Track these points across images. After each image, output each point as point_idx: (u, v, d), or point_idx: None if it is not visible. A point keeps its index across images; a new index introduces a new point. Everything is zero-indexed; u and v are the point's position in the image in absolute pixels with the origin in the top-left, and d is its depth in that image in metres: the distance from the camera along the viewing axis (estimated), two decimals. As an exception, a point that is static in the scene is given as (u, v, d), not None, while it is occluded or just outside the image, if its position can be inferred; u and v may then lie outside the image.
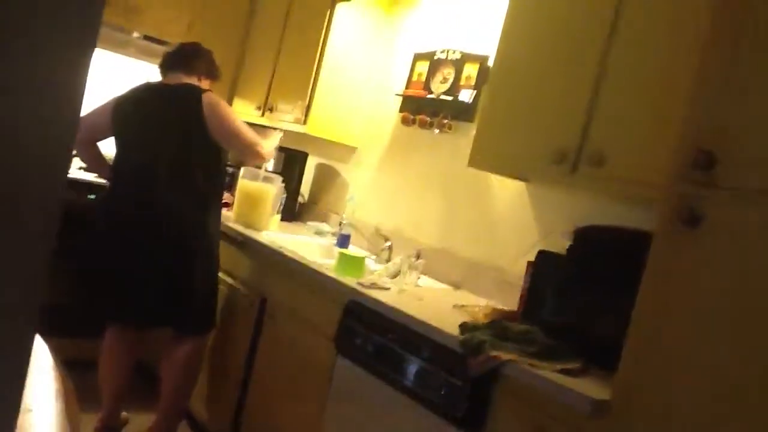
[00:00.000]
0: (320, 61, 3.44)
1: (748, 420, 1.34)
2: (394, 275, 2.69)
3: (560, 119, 2.16)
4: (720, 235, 1.41)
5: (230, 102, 4.00)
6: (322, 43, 3.43)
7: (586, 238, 2.13)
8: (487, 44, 2.87)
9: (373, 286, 2.42)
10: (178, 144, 2.76)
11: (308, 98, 3.44)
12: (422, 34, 3.34)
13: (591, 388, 1.68)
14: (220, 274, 3.02)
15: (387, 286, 2.48)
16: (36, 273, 0.85)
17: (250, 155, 2.92)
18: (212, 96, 2.83)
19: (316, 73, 3.44)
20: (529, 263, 2.32)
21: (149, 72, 3.92)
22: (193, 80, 2.91)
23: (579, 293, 2.05)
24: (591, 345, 1.90)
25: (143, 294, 2.73)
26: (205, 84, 2.98)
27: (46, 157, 0.79)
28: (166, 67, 2.95)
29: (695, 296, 1.45)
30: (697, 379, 1.43)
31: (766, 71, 1.40)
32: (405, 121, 3.29)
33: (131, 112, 2.85)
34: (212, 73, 3.04)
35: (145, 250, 2.71)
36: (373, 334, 2.23)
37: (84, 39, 0.80)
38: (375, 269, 2.80)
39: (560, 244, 2.21)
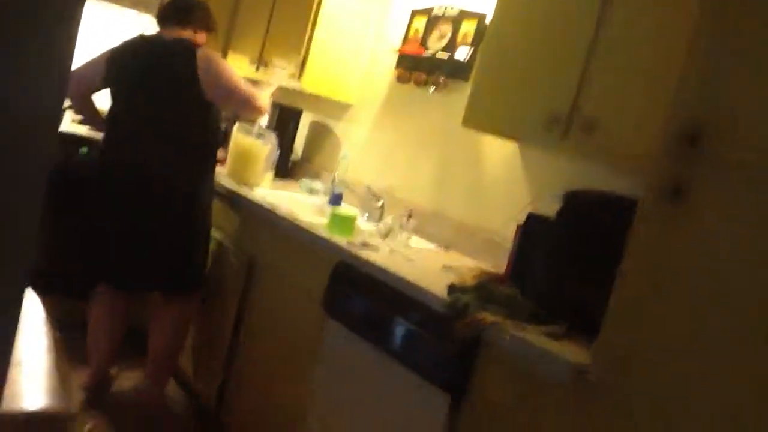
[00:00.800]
0: (316, 15, 3.38)
1: (726, 384, 1.36)
2: (386, 235, 2.70)
3: (553, 84, 2.14)
4: (703, 209, 1.41)
5: (224, 56, 3.95)
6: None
7: (575, 202, 2.13)
8: (486, 1, 2.83)
9: (364, 245, 2.43)
10: (171, 101, 2.74)
11: (303, 53, 3.40)
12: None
13: (573, 352, 1.70)
14: (212, 233, 3.03)
15: (378, 245, 2.49)
16: (29, 227, 0.85)
17: (249, 109, 2.90)
18: (208, 51, 2.80)
19: (311, 28, 3.39)
20: (519, 226, 2.32)
21: (142, 21, 3.86)
22: (188, 33, 2.87)
23: (566, 258, 2.06)
24: (575, 310, 1.92)
25: (132, 255, 2.73)
26: (201, 37, 2.93)
27: (38, 110, 0.79)
28: (161, 19, 2.92)
29: (677, 268, 1.46)
30: (677, 347, 1.45)
31: (757, 48, 1.38)
32: (401, 78, 3.26)
33: (125, 66, 2.82)
34: (208, 26, 3.00)
35: (136, 210, 2.71)
36: (362, 295, 2.25)
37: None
38: (366, 228, 2.81)
39: (550, 208, 2.21)
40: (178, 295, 2.88)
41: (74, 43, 0.82)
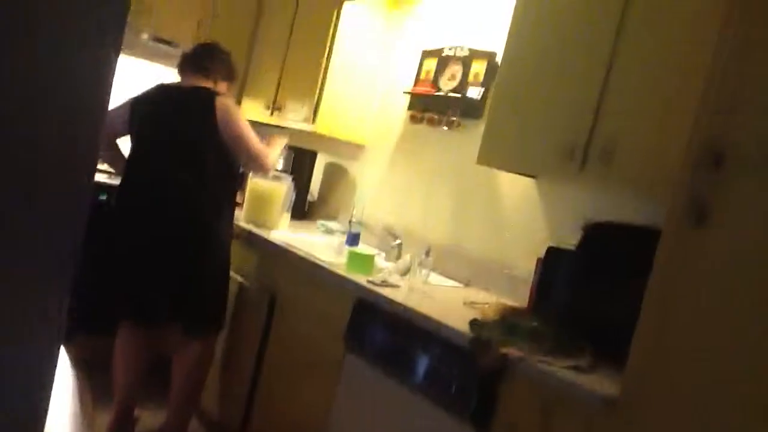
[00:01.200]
0: (328, 59, 3.44)
1: (752, 410, 1.34)
2: (404, 272, 2.70)
3: (569, 115, 2.16)
4: (727, 232, 1.41)
5: (239, 101, 4.01)
6: (330, 42, 3.44)
7: (595, 234, 2.14)
8: (495, 40, 2.87)
9: (384, 283, 2.43)
10: (191, 146, 2.78)
11: (316, 97, 3.45)
12: (430, 32, 3.34)
13: (600, 383, 1.68)
14: (231, 273, 3.04)
15: (397, 283, 2.49)
16: (66, 274, 0.87)
17: (255, 165, 2.92)
18: (226, 101, 2.84)
19: (324, 72, 3.45)
20: (539, 259, 2.32)
21: (157, 73, 3.95)
22: (209, 83, 2.92)
23: (589, 288, 2.05)
24: (600, 341, 1.90)
25: (153, 292, 2.75)
26: (222, 87, 2.98)
27: (75, 155, 0.81)
28: (182, 69, 2.97)
29: (702, 292, 1.45)
30: (704, 373, 1.43)
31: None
32: (413, 119, 3.30)
33: (146, 112, 2.89)
34: (229, 76, 3.05)
35: (156, 249, 2.73)
36: (382, 331, 2.24)
37: (111, 39, 0.81)
38: (385, 267, 2.80)
39: (569, 241, 2.21)
40: (199, 331, 2.88)
41: (110, 88, 0.85)
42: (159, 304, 2.78)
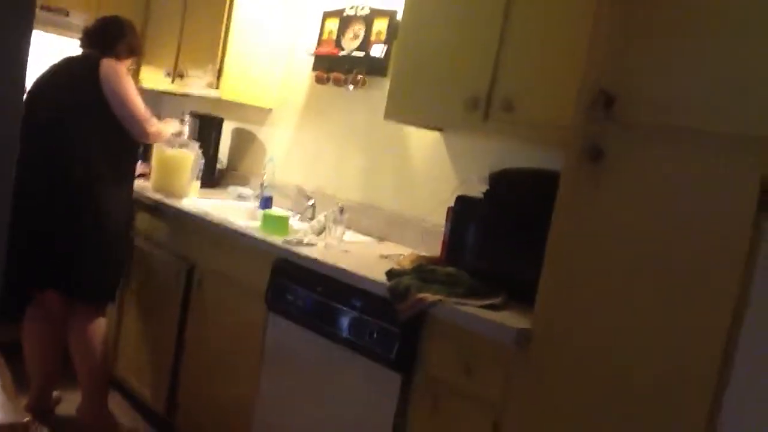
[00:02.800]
0: (228, 23, 3.39)
1: (652, 341, 1.47)
2: (320, 232, 2.73)
3: (470, 68, 2.23)
4: (621, 168, 1.52)
5: (138, 70, 3.88)
6: (229, 5, 3.38)
7: (501, 181, 2.23)
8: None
9: (300, 243, 2.46)
10: (74, 111, 2.74)
11: (219, 62, 3.39)
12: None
13: (513, 319, 1.79)
14: (142, 244, 3.00)
15: (313, 242, 2.52)
16: None
17: (136, 129, 2.82)
18: (111, 62, 2.80)
19: (224, 36, 3.39)
20: (449, 209, 2.40)
21: (51, 43, 3.77)
22: (109, 57, 2.85)
23: (497, 234, 2.15)
24: (512, 282, 2.01)
25: (35, 258, 2.69)
26: (125, 61, 2.94)
27: None
28: (82, 45, 2.95)
29: (602, 227, 1.57)
30: (606, 304, 1.55)
31: (659, 14, 1.50)
32: (319, 80, 3.30)
33: (36, 82, 2.84)
34: (131, 49, 2.98)
35: (40, 218, 2.68)
36: (303, 289, 2.28)
37: (22, 19, 0.80)
38: (300, 228, 2.83)
39: (478, 190, 2.30)
40: (82, 297, 2.82)
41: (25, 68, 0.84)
42: (40, 271, 2.74)
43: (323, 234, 2.71)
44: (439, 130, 2.75)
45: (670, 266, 1.44)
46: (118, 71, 2.79)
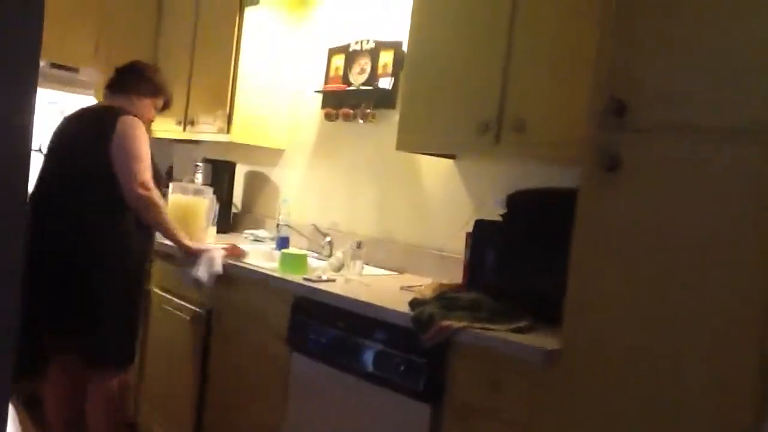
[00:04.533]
0: (236, 68, 3.42)
1: (686, 352, 1.42)
2: (338, 268, 2.71)
3: (478, 93, 2.22)
4: (639, 174, 1.49)
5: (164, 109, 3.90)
6: (236, 50, 3.41)
7: (518, 202, 2.20)
8: (399, 30, 2.92)
9: (320, 280, 2.43)
10: (87, 165, 2.61)
11: (228, 106, 3.42)
12: (334, 29, 3.36)
13: (540, 340, 1.74)
14: (161, 293, 2.98)
15: (333, 278, 2.49)
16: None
17: (126, 183, 2.56)
18: (130, 119, 2.65)
19: (233, 81, 3.42)
20: (468, 235, 2.38)
21: (59, 100, 3.82)
22: (127, 102, 2.79)
23: (518, 256, 2.11)
24: (536, 303, 1.96)
25: (51, 319, 2.59)
26: (143, 104, 2.84)
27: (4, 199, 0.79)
28: (104, 93, 2.90)
29: (625, 238, 1.53)
30: (636, 318, 1.50)
31: (660, 18, 1.48)
32: (328, 117, 3.31)
33: (55, 132, 2.81)
34: (151, 91, 2.88)
35: (52, 279, 2.55)
36: (324, 326, 2.24)
37: (26, 78, 0.79)
38: (318, 265, 2.80)
39: (495, 214, 2.27)
40: (98, 363, 2.67)
41: (32, 126, 0.84)
42: (58, 337, 2.64)
43: (342, 270, 2.68)
44: (452, 157, 2.73)
45: (699, 271, 1.40)
46: (134, 128, 2.64)
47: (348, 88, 3.17)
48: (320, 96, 3.38)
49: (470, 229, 2.37)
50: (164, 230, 2.73)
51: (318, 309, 2.28)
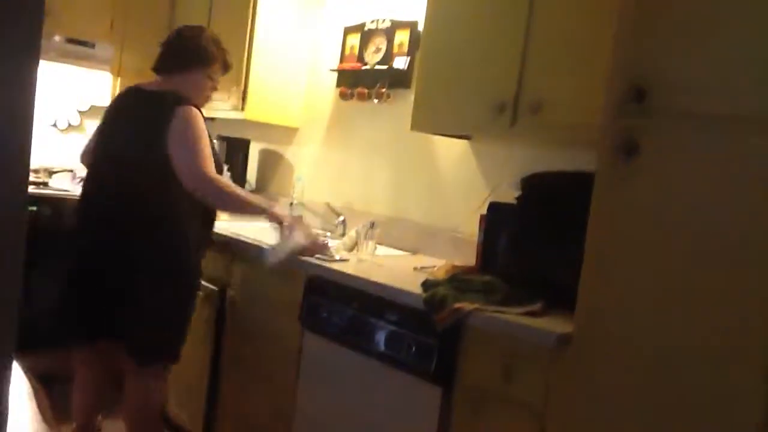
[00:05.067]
0: (251, 45, 3.40)
1: (700, 336, 1.41)
2: (351, 248, 2.71)
3: (495, 73, 2.20)
4: (657, 160, 1.47)
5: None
6: (251, 27, 3.40)
7: (533, 185, 2.19)
8: (415, 9, 2.89)
9: (333, 259, 2.44)
10: (142, 165, 2.39)
11: (243, 84, 3.41)
12: (349, 7, 3.33)
13: (553, 324, 1.74)
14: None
15: (346, 258, 2.50)
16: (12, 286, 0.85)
17: (194, 182, 2.35)
18: (189, 112, 2.39)
19: (248, 58, 3.41)
20: (482, 217, 2.37)
21: (72, 74, 3.83)
22: (181, 81, 2.52)
23: (532, 239, 2.11)
24: (549, 287, 1.96)
25: (99, 308, 2.46)
26: (199, 79, 2.57)
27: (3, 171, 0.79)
28: (156, 69, 2.59)
29: (640, 224, 1.52)
30: (650, 303, 1.49)
31: (681, 6, 1.46)
32: (343, 96, 3.30)
33: (106, 121, 2.58)
34: (200, 60, 2.56)
35: (105, 269, 2.43)
36: (337, 305, 2.25)
37: (29, 52, 0.79)
38: (332, 244, 2.81)
39: (509, 196, 2.27)
40: (145, 359, 2.51)
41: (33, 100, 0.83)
42: (102, 322, 2.47)
43: (355, 249, 2.69)
44: (467, 138, 2.71)
45: (715, 257, 1.39)
46: (191, 119, 2.39)
47: (363, 68, 3.15)
48: (335, 75, 3.36)
49: (485, 211, 2.37)
50: (244, 206, 2.51)
51: (331, 289, 2.29)
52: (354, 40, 3.24)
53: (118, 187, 2.45)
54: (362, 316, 2.16)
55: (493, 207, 2.32)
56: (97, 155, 2.57)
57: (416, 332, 1.98)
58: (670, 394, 1.45)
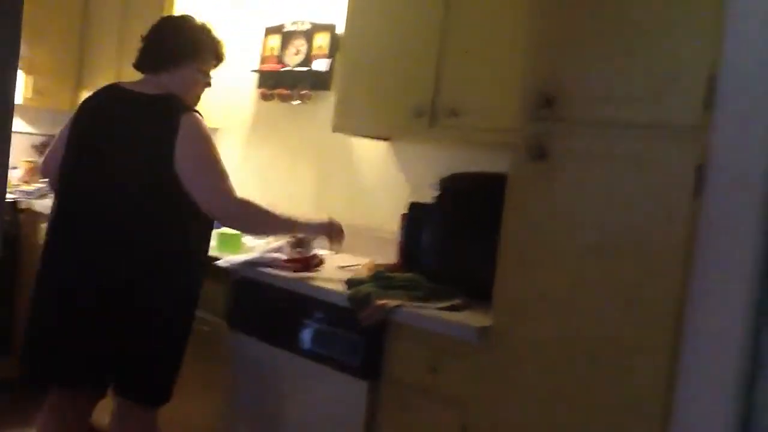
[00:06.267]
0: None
1: (608, 323, 1.54)
2: (276, 248, 2.73)
3: (413, 78, 2.30)
4: (563, 163, 1.60)
5: (76, 97, 3.82)
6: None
7: (450, 185, 2.29)
8: (334, 12, 2.95)
9: (257, 259, 2.46)
10: (143, 180, 2.08)
11: (161, 84, 3.37)
12: (269, 8, 3.35)
13: (474, 318, 1.84)
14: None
15: (271, 257, 2.53)
16: None
17: (216, 201, 2.10)
18: (194, 122, 2.10)
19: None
20: (403, 216, 2.45)
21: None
22: (170, 79, 2.20)
23: (451, 237, 2.21)
24: (469, 283, 2.06)
25: (79, 348, 2.08)
26: (188, 75, 2.24)
27: None
28: (141, 64, 2.28)
29: (550, 221, 1.64)
30: (562, 294, 1.61)
31: (589, 16, 1.58)
32: (264, 97, 3.32)
33: (85, 127, 2.19)
34: (186, 52, 2.23)
35: (87, 299, 2.07)
36: (264, 305, 2.29)
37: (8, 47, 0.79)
38: (255, 244, 2.83)
39: (430, 196, 2.35)
40: (139, 398, 2.20)
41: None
42: (85, 364, 2.10)
43: (279, 249, 2.72)
44: (387, 139, 2.79)
45: (617, 253, 1.52)
46: (201, 130, 2.11)
47: (283, 69, 3.18)
48: (256, 76, 3.37)
49: (406, 210, 2.45)
50: (277, 226, 2.32)
51: (257, 288, 2.32)
52: (274, 41, 3.27)
53: (110, 215, 2.08)
54: (289, 314, 2.20)
55: (414, 206, 2.40)
56: (71, 170, 2.17)
57: (342, 329, 2.04)
58: (580, 384, 1.57)
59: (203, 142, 2.11)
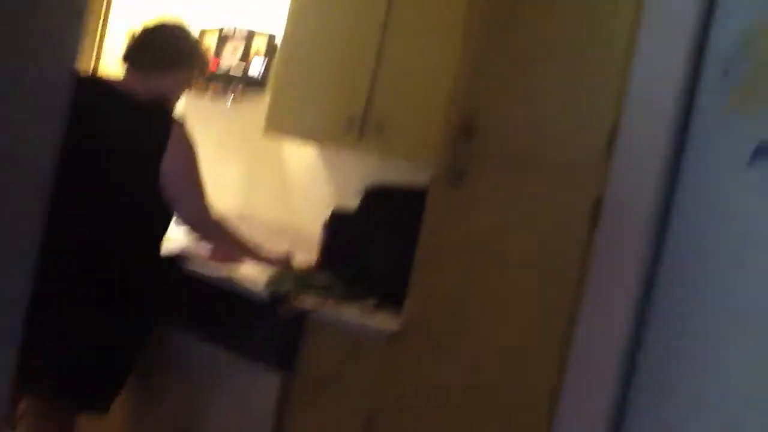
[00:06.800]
0: (102, 40, 3.38)
1: (492, 344, 1.71)
2: (199, 243, 2.78)
3: (347, 88, 2.42)
4: (477, 185, 1.76)
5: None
6: (103, 21, 3.37)
7: (372, 195, 2.42)
8: (273, 21, 3.02)
9: (180, 253, 2.51)
10: (129, 186, 2.11)
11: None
12: (208, 11, 3.39)
13: (385, 319, 1.99)
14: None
15: (193, 252, 2.58)
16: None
17: (191, 210, 2.21)
18: (186, 131, 2.16)
19: (98, 51, 3.37)
20: (325, 222, 2.56)
21: None
22: (162, 81, 2.23)
23: (369, 242, 2.33)
24: (383, 286, 2.19)
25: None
26: (181, 81, 2.32)
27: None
28: (132, 61, 2.25)
29: (462, 236, 1.80)
30: (468, 300, 1.77)
31: (518, 51, 1.76)
32: (198, 89, 3.33)
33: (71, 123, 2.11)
34: (186, 61, 2.29)
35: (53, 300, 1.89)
36: (184, 297, 2.35)
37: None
38: (178, 238, 2.86)
39: (353, 203, 2.47)
40: (68, 401, 2.14)
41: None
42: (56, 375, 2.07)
43: (203, 244, 2.77)
44: (318, 142, 2.90)
45: (518, 267, 1.69)
46: (191, 141, 2.19)
47: (218, 68, 3.23)
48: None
49: (328, 214, 2.56)
50: (244, 252, 2.39)
51: (178, 281, 2.38)
52: (211, 39, 3.31)
53: (88, 217, 2.06)
54: (209, 307, 2.28)
55: (336, 212, 2.52)
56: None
57: (261, 325, 2.14)
58: (478, 377, 1.72)
59: (192, 157, 2.19)
